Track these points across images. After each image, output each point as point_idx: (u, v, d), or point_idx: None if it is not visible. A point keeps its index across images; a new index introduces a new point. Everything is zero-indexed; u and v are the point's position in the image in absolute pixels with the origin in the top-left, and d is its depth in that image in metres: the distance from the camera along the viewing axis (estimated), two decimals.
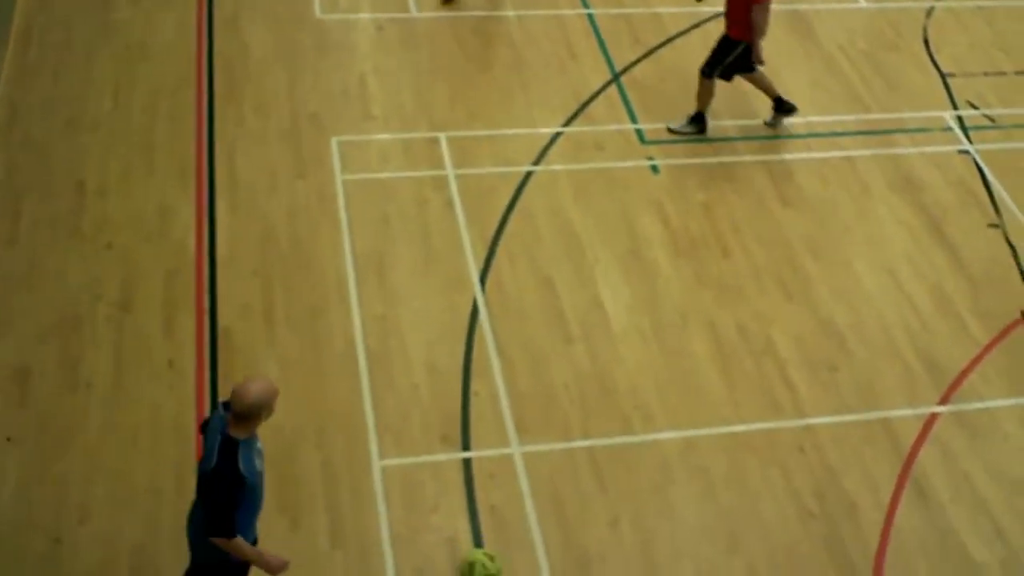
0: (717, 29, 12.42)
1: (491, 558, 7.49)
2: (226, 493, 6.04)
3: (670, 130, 11.09)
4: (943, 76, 12.34)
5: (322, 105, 11.01)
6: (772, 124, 11.30)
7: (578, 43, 12.18)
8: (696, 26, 12.60)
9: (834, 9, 13.10)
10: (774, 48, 12.23)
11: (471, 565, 7.46)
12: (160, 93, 10.97)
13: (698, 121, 11.13)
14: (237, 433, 6.05)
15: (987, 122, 11.73)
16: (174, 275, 9.27)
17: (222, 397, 8.35)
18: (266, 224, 9.78)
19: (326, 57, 11.61)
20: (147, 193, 9.96)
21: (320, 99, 11.08)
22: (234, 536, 6.14)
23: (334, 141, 10.60)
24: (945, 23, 13.17)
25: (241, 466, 6.02)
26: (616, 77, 11.76)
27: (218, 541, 6.15)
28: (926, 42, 12.83)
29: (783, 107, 11.23)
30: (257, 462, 6.23)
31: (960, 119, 11.73)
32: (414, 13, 12.31)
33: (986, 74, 12.43)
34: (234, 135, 10.58)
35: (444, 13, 12.34)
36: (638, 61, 12.04)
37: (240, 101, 10.97)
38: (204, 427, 6.37)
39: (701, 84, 10.97)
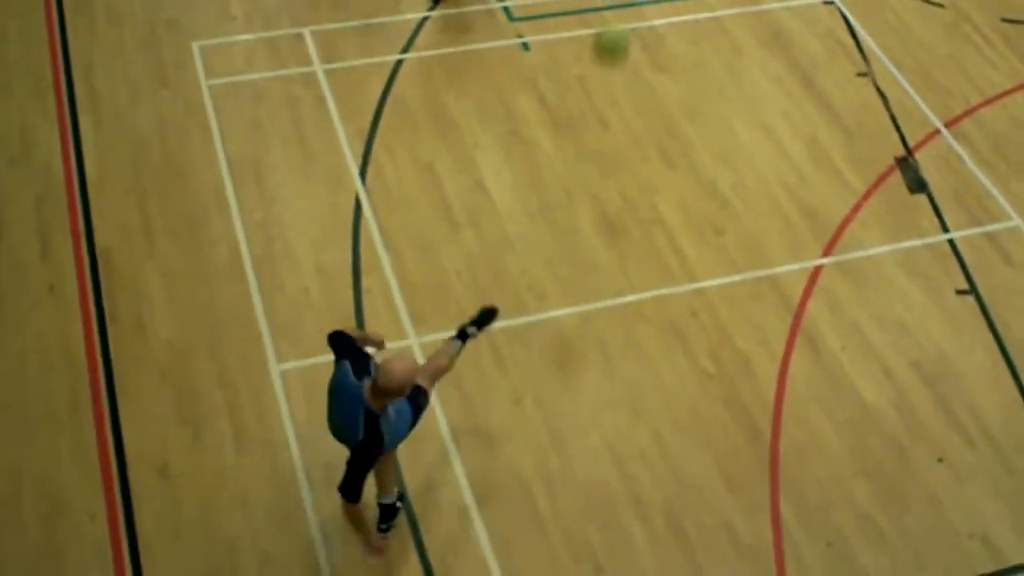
0: None
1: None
2: (368, 463, 6.34)
3: None
4: None
5: (178, 9, 10.63)
6: None
7: None
8: None
9: None
10: None
11: (599, 35, 7.87)
12: (9, 14, 10.48)
13: None
14: (378, 406, 6.23)
15: None
16: (44, 198, 8.98)
17: (110, 318, 8.21)
18: (134, 138, 9.49)
19: None
20: (6, 116, 9.58)
21: (175, 3, 10.70)
22: (357, 502, 6.40)
23: (195, 46, 10.27)
24: None
25: (385, 438, 6.32)
26: None
27: (342, 502, 6.43)
28: None
29: None
30: (398, 423, 6.51)
31: None
32: None
33: None
34: (89, 48, 10.19)
35: None
36: None
37: (91, 11, 10.52)
38: (337, 378, 6.37)
39: None
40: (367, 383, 6.25)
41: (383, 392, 6.16)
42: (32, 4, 10.62)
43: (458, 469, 7.67)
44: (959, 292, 8.95)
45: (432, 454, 7.73)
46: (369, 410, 6.24)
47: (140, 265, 8.65)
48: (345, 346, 6.49)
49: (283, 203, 9.13)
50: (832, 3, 11.38)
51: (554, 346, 8.39)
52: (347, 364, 6.36)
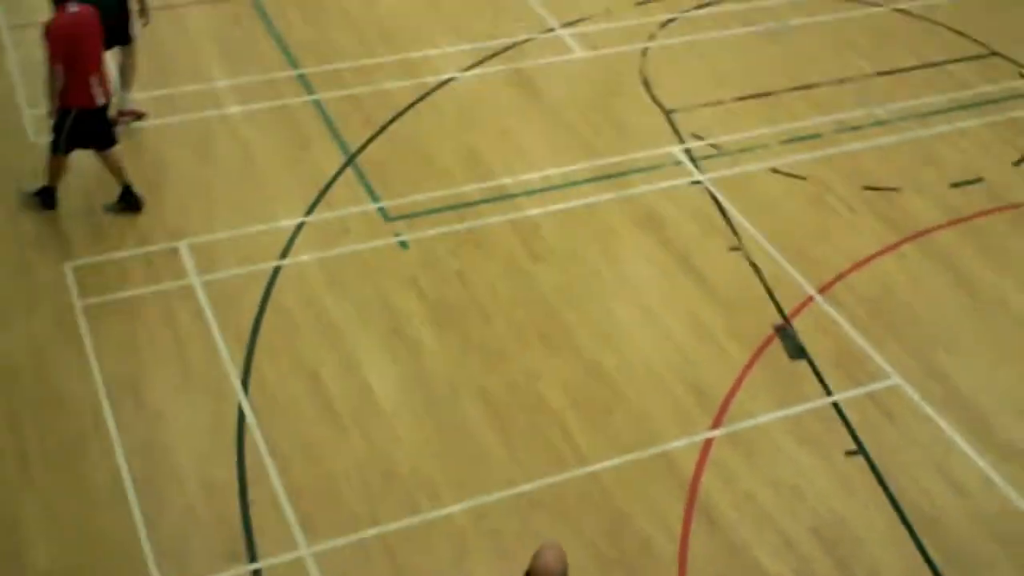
0: (446, 97, 12.63)
1: None
2: None
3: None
4: (666, 113, 12.77)
5: (50, 230, 10.54)
6: (111, 208, 10.79)
7: (308, 129, 12.08)
8: (423, 97, 12.69)
9: (553, 63, 13.38)
10: (502, 108, 12.48)
11: None
12: None
13: (46, 195, 10.76)
14: None
15: (713, 151, 12.19)
16: None
17: None
18: (6, 365, 9.28)
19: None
20: None
21: (47, 224, 10.61)
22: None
23: (67, 267, 10.17)
24: (660, 62, 13.66)
25: None
26: (351, 159, 11.71)
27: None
28: (645, 83, 13.27)
29: (130, 199, 10.82)
30: None
31: (688, 151, 12.15)
32: (133, 125, 11.93)
33: (705, 105, 12.92)
34: None
35: (168, 119, 12.01)
36: (371, 140, 12.02)
37: None
38: None
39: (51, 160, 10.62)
40: None
41: None
42: None
43: None
44: (848, 453, 9.01)
45: None
46: None
47: (16, 494, 8.34)
48: None
49: (164, 420, 8.93)
50: (700, 183, 11.70)
51: (450, 544, 8.21)
52: None
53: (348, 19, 13.98)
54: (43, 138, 11.13)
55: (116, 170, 10.69)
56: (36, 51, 10.58)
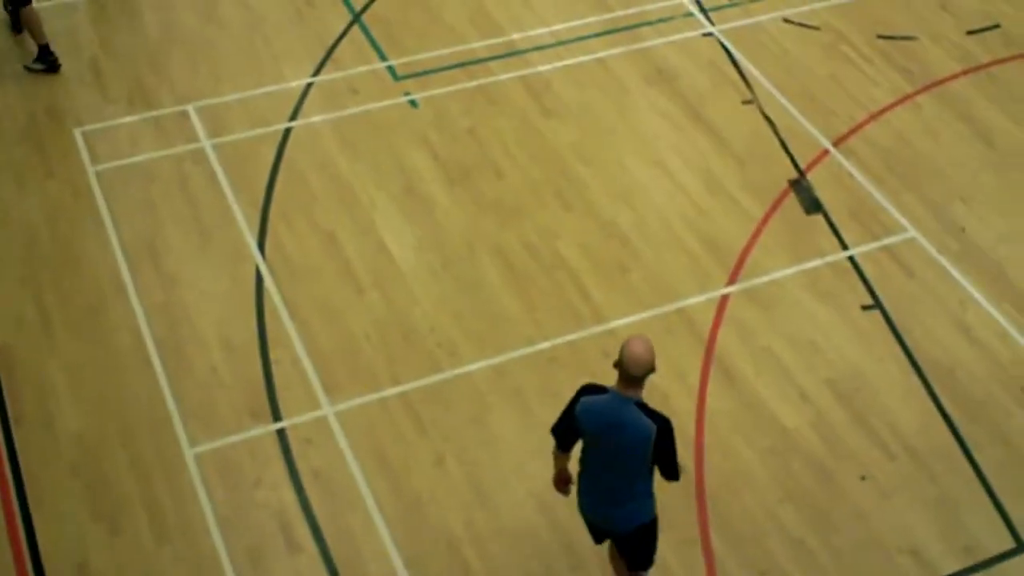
0: None
1: None
2: (674, 440, 6.35)
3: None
4: None
5: (57, 96, 10.45)
6: (31, 68, 10.70)
7: None
8: None
9: None
10: None
11: None
12: None
13: (45, 56, 10.66)
14: (639, 395, 6.29)
15: (725, 1, 11.97)
16: None
17: (13, 418, 7.98)
18: (24, 230, 9.29)
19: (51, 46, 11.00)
20: None
21: (53, 91, 10.51)
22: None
23: (77, 132, 10.10)
24: None
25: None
26: (357, 16, 11.53)
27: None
28: None
29: (47, 58, 10.66)
30: None
31: (699, 2, 11.94)
32: None
33: None
34: None
35: None
36: None
37: None
38: (573, 420, 6.50)
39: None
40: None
41: (639, 378, 6.27)
42: None
43: (385, 538, 7.54)
44: (865, 307, 9.05)
45: (358, 525, 7.60)
46: (640, 402, 6.31)
47: (40, 358, 8.43)
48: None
49: (182, 283, 8.97)
50: (711, 35, 11.54)
51: (471, 401, 8.32)
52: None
53: None
54: (43, 2, 10.97)
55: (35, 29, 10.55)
56: None
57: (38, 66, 10.59)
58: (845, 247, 9.50)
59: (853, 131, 10.56)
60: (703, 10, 11.84)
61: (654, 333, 8.72)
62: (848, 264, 9.37)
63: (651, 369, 6.28)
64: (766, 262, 9.36)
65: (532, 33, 11.42)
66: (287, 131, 10.26)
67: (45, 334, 8.58)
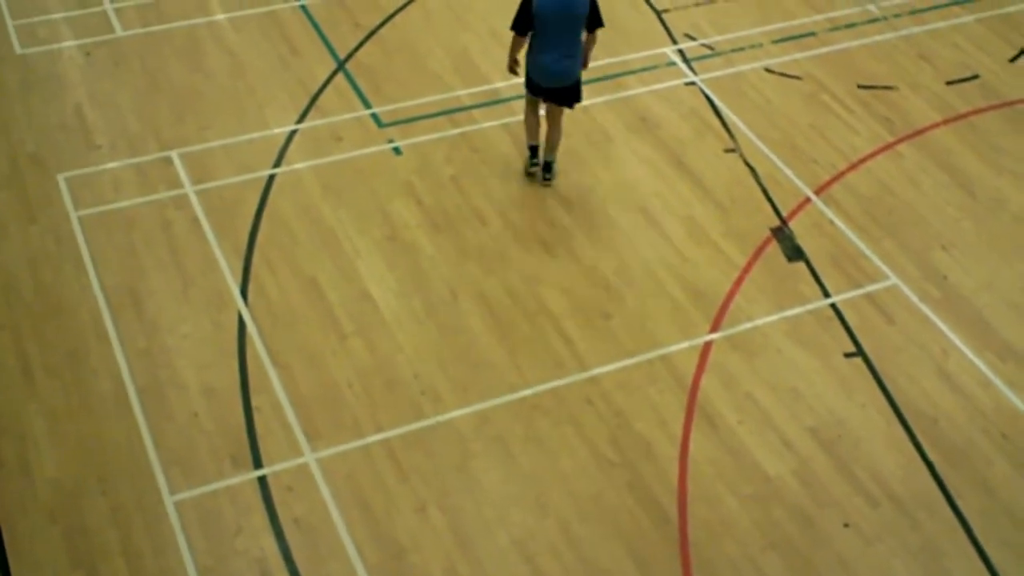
0: (434, 2, 12.46)
1: None
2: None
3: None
4: (658, 13, 12.64)
5: (41, 142, 10.46)
6: None
7: (297, 36, 11.93)
8: (412, 0, 12.53)
9: None
10: (492, 9, 12.31)
11: None
12: None
13: None
14: None
15: (707, 51, 12.08)
16: None
17: None
18: (5, 276, 9.25)
19: (36, 92, 11.01)
20: None
21: (37, 136, 10.52)
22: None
23: (61, 178, 10.09)
24: None
25: None
26: (341, 64, 11.59)
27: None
28: None
29: None
30: None
31: (681, 52, 12.05)
32: (120, 32, 11.78)
33: (697, 4, 12.78)
34: None
35: (153, 28, 11.86)
36: (361, 44, 11.89)
37: None
38: None
39: None
40: None
41: None
42: None
43: None
44: (847, 355, 9.07)
45: (339, 573, 7.54)
46: None
47: (20, 405, 8.38)
48: None
49: (165, 329, 8.94)
50: (694, 83, 11.62)
51: (454, 448, 8.29)
52: None
53: None
54: (29, 49, 11.01)
55: None
56: None
57: None
58: (827, 294, 9.54)
59: (835, 179, 10.63)
60: (686, 60, 11.94)
61: (637, 381, 8.77)
62: (830, 311, 9.40)
63: None
64: (749, 309, 9.39)
65: (516, 81, 11.47)
66: (271, 177, 10.28)
67: (25, 379, 8.53)
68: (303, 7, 12.32)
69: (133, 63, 11.44)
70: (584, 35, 9.72)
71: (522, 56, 9.93)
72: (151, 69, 11.39)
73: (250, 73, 11.42)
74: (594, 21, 9.64)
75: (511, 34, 9.73)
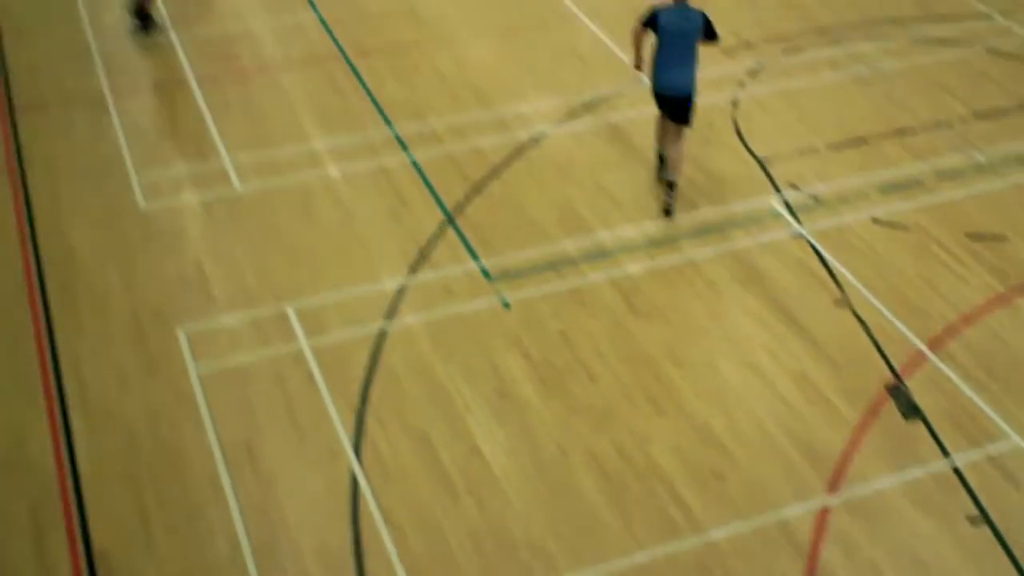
0: (540, 153, 12.69)
1: None
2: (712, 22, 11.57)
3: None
4: (760, 162, 12.72)
5: (162, 297, 10.75)
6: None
7: (407, 189, 12.20)
8: (518, 154, 12.76)
9: (645, 114, 13.35)
10: (596, 163, 12.49)
11: None
12: None
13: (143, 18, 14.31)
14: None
15: (811, 201, 12.11)
16: (39, 501, 8.85)
17: None
18: (126, 430, 9.44)
19: (157, 246, 11.36)
20: None
21: (158, 291, 10.82)
22: None
23: (181, 333, 10.34)
24: (751, 112, 13.63)
25: None
26: (451, 218, 11.80)
27: None
28: (738, 132, 13.24)
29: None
30: None
31: (786, 202, 12.09)
32: (238, 188, 12.16)
33: (800, 154, 12.85)
34: (76, 344, 10.23)
35: (269, 181, 12.20)
36: (469, 198, 12.11)
37: (76, 307, 10.63)
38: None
39: None
40: None
41: None
42: (16, 298, 10.72)
43: None
44: (970, 519, 8.85)
45: None
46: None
47: (138, 562, 8.46)
48: None
49: (279, 485, 9.02)
50: (801, 236, 11.63)
51: None
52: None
53: (440, 78, 14.13)
54: (152, 203, 11.37)
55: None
56: None
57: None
58: (947, 454, 9.34)
59: (948, 332, 10.50)
60: (791, 210, 11.97)
61: (754, 546, 8.62)
62: (951, 474, 9.20)
63: None
64: (865, 470, 9.22)
65: (621, 232, 11.59)
66: (383, 331, 10.42)
67: (144, 538, 8.63)
68: (413, 161, 12.59)
69: (250, 217, 11.76)
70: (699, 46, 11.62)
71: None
72: (266, 223, 11.69)
73: (361, 227, 11.67)
74: (709, 35, 11.47)
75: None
